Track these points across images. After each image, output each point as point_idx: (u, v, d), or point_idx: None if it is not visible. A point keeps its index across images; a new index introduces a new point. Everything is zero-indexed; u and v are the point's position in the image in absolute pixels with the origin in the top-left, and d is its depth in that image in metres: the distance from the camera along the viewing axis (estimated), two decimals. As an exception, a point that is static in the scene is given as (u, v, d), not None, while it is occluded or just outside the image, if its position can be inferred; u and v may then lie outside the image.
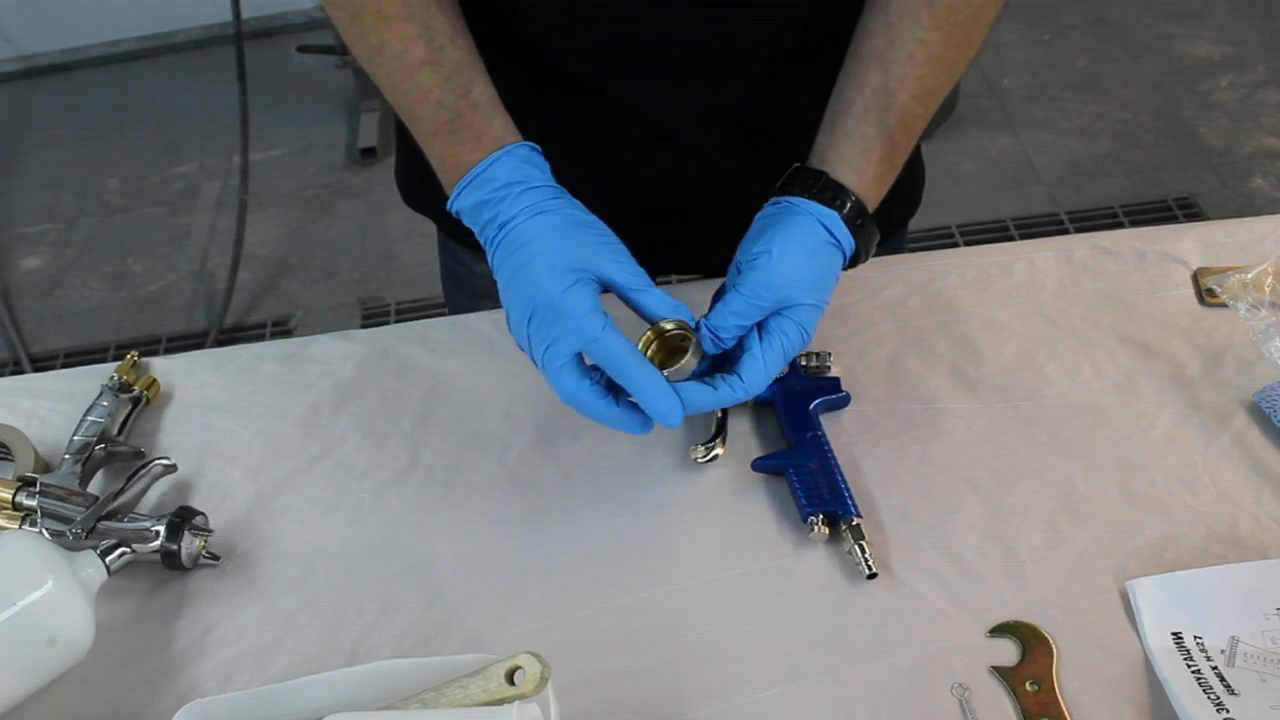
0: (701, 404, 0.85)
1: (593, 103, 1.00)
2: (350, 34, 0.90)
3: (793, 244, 0.85)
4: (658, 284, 0.86)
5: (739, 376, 0.85)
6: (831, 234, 0.86)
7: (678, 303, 0.85)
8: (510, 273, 0.84)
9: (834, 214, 0.86)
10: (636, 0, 0.92)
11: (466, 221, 0.89)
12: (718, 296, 0.87)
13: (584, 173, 0.92)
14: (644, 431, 0.85)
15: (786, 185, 0.89)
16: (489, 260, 0.87)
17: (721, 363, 0.87)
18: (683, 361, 0.83)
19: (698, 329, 0.85)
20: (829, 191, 0.87)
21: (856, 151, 0.88)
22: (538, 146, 0.89)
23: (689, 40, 0.95)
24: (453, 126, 0.88)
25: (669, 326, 0.85)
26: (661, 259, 1.07)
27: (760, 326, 0.86)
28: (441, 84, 0.87)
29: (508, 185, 0.86)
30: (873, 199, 0.89)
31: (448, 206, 0.89)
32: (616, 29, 0.94)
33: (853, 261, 0.89)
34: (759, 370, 0.85)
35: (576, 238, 0.84)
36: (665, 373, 0.83)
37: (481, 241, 0.88)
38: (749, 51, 0.97)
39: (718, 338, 0.85)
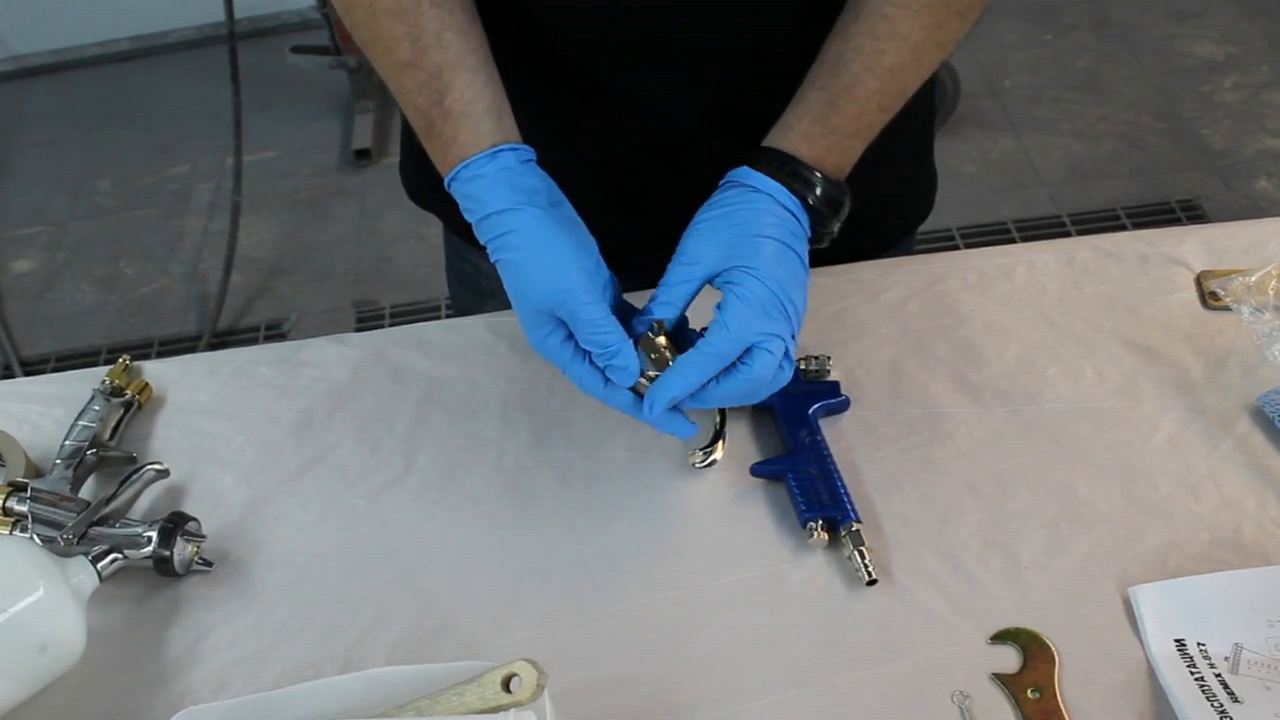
0: (676, 382, 0.83)
1: (598, 96, 1.00)
2: (347, 24, 0.91)
3: (703, 211, 0.87)
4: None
5: (705, 339, 0.83)
6: (742, 183, 0.86)
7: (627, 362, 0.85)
8: (510, 298, 0.86)
9: (742, 169, 0.87)
10: None
11: None
12: None
13: (589, 169, 0.92)
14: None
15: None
16: None
17: None
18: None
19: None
20: (754, 154, 0.88)
21: (791, 113, 0.89)
22: (509, 144, 0.87)
23: (696, 37, 0.95)
24: (426, 134, 0.89)
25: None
26: (666, 257, 1.07)
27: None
28: (418, 89, 0.87)
29: (466, 210, 0.86)
30: (804, 152, 0.87)
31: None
32: (624, 24, 0.94)
33: (819, 221, 0.88)
34: (719, 326, 0.82)
35: (535, 285, 0.84)
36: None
37: None
38: (744, 45, 0.97)
39: (657, 302, 0.86)
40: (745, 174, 0.87)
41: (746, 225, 0.85)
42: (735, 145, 1.01)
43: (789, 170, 0.86)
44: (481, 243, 0.86)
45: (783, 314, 0.83)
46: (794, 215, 0.86)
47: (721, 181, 0.89)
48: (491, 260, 0.86)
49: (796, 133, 0.88)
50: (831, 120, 0.88)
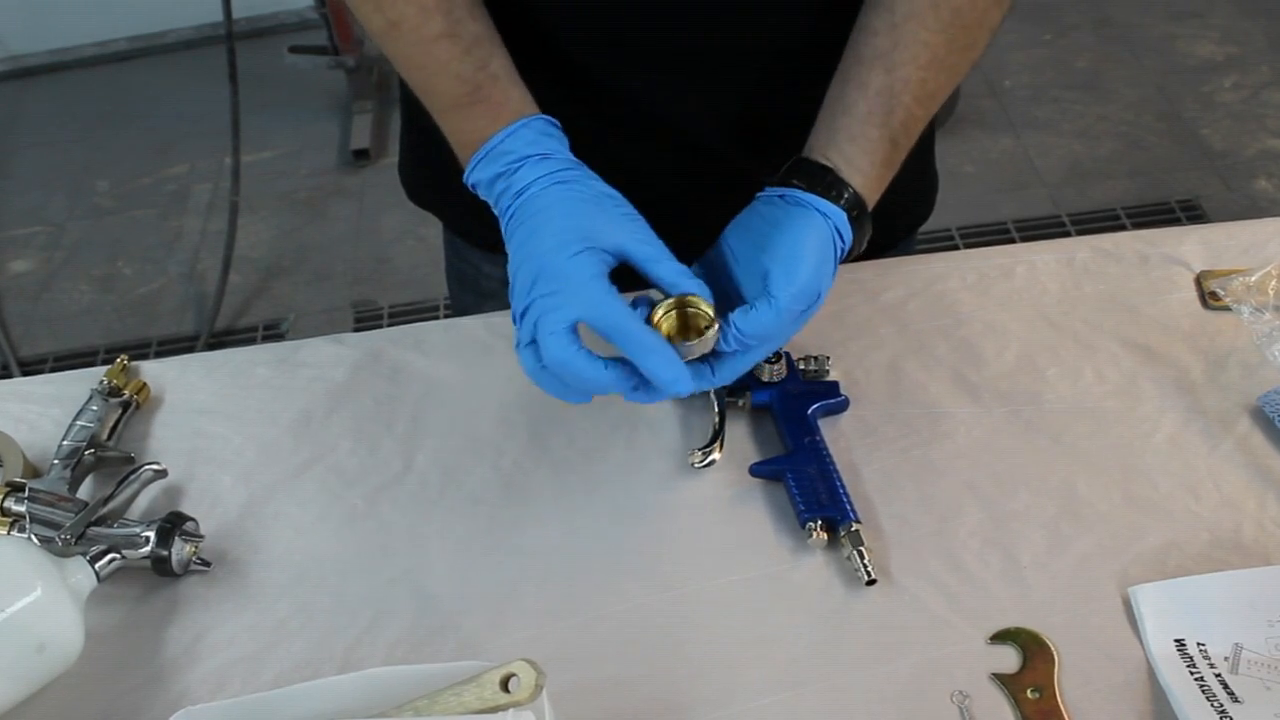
0: (717, 378, 0.84)
1: (598, 94, 1.00)
2: (366, 8, 0.89)
3: (814, 247, 0.84)
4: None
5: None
6: (840, 234, 0.85)
7: (697, 278, 0.83)
8: (521, 240, 0.84)
9: (843, 213, 0.85)
10: None
11: (482, 194, 0.88)
12: (709, 264, 0.88)
13: (589, 166, 0.91)
14: (637, 397, 0.83)
15: (788, 176, 0.87)
16: (503, 230, 0.86)
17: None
18: (698, 341, 0.81)
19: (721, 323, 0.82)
20: (836, 189, 0.86)
21: (861, 154, 0.87)
22: (555, 120, 0.88)
23: (696, 35, 0.95)
24: (471, 99, 0.87)
25: (691, 301, 0.82)
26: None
27: None
28: (460, 56, 0.87)
29: (524, 157, 0.85)
30: (871, 200, 0.88)
31: (464, 179, 0.89)
32: (625, 21, 0.94)
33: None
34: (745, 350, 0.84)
35: (590, 210, 0.83)
36: (678, 346, 0.81)
37: (497, 213, 0.87)
38: (755, 48, 0.97)
39: (743, 338, 0.82)
40: (841, 219, 0.85)
41: (817, 279, 0.84)
42: (740, 148, 1.01)
43: (861, 228, 0.87)
44: (516, 193, 0.84)
45: None
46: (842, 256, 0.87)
47: (795, 197, 0.86)
48: (541, 189, 0.84)
49: (872, 179, 0.87)
50: (894, 159, 0.88)
